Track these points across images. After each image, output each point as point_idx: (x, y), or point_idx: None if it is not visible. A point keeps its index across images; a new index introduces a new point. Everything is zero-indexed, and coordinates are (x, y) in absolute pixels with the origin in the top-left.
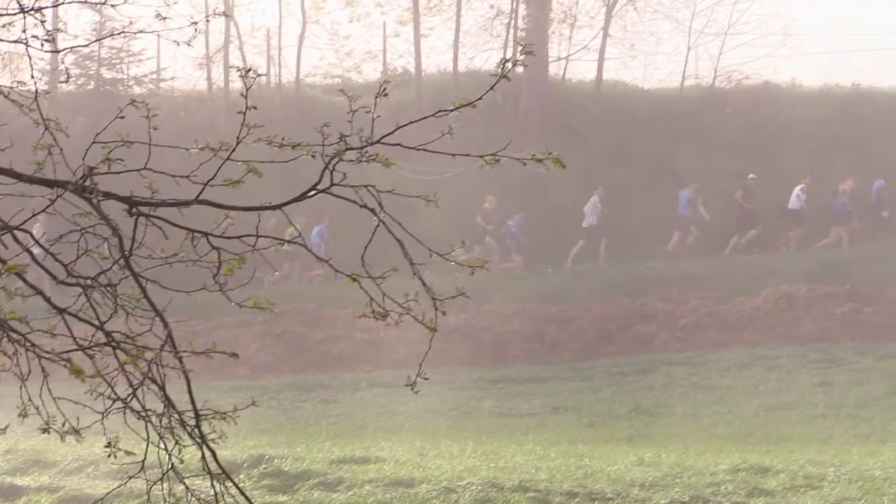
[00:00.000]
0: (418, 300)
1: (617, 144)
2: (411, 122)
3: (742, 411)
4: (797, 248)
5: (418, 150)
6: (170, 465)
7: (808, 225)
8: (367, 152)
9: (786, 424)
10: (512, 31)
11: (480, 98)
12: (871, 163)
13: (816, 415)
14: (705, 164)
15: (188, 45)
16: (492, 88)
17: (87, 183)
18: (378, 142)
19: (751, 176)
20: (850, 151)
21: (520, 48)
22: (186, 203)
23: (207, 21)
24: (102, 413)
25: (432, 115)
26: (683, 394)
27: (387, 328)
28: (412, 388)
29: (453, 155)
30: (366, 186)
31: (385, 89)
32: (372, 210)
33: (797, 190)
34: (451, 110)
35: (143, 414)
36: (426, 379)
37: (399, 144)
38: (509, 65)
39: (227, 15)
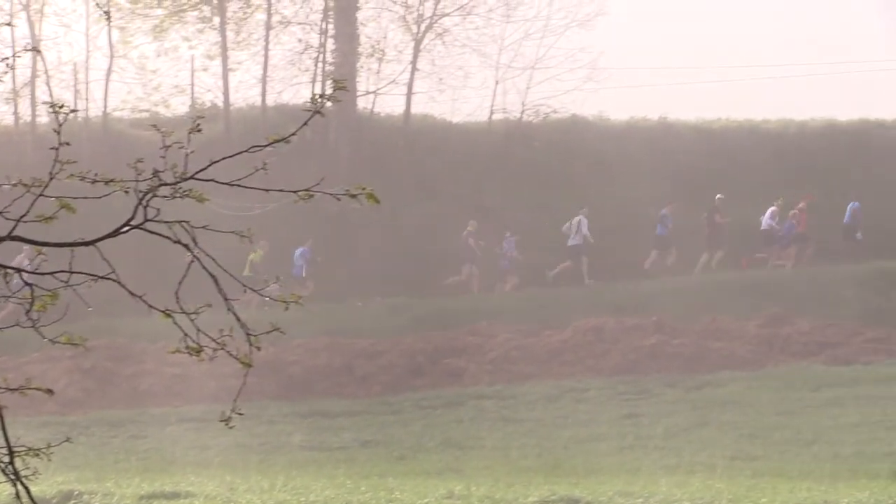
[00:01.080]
0: (233, 335)
1: (425, 178)
2: (226, 158)
3: (551, 443)
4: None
5: (232, 185)
6: None
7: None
8: (181, 188)
9: (594, 456)
10: (320, 65)
11: (294, 133)
12: (676, 194)
13: (625, 446)
14: (514, 197)
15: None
16: (305, 124)
17: None
18: (192, 177)
19: (718, 196)
20: (660, 183)
21: (330, 82)
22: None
23: (17, 57)
24: None
25: (246, 151)
26: (493, 427)
27: (198, 363)
28: (226, 424)
29: (267, 190)
30: (180, 222)
31: (199, 125)
32: (186, 245)
33: (770, 212)
34: (266, 146)
35: None
36: (240, 414)
37: (213, 180)
38: (322, 100)
39: (37, 50)
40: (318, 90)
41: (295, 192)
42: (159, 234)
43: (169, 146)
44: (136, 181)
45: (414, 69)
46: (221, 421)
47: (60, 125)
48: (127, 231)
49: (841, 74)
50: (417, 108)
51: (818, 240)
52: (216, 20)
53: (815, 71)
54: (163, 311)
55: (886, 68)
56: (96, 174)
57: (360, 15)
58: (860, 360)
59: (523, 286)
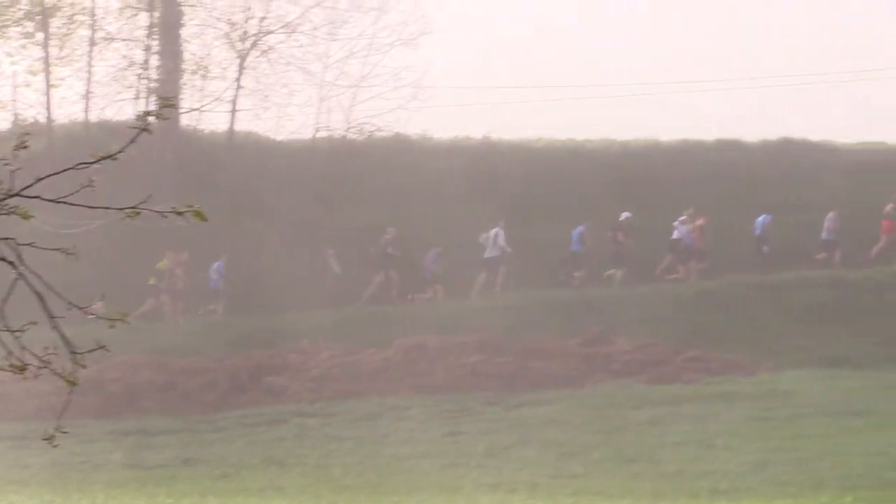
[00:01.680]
0: (58, 353)
1: (250, 195)
2: (52, 174)
3: (373, 461)
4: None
5: (59, 202)
6: None
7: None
8: (7, 204)
9: (417, 474)
10: (144, 81)
11: (122, 150)
12: (504, 211)
13: (447, 464)
14: (338, 214)
15: None
16: (133, 141)
17: None
18: (17, 194)
19: (624, 214)
20: (485, 200)
21: (155, 99)
22: None
23: None
24: None
25: (73, 168)
26: (315, 444)
27: (19, 381)
28: (50, 442)
29: (94, 207)
30: (5, 239)
31: (25, 141)
32: (11, 263)
33: (678, 223)
34: (93, 162)
35: None
36: (65, 432)
37: (39, 197)
38: (149, 117)
39: None
40: (142, 107)
41: (121, 209)
42: None
43: None
44: None
45: (238, 86)
46: (45, 439)
47: None
48: None
49: (665, 95)
50: (242, 126)
51: (638, 258)
52: (39, 36)
53: (637, 91)
54: None
55: (709, 89)
56: None
57: (184, 32)
58: (681, 379)
59: (344, 304)
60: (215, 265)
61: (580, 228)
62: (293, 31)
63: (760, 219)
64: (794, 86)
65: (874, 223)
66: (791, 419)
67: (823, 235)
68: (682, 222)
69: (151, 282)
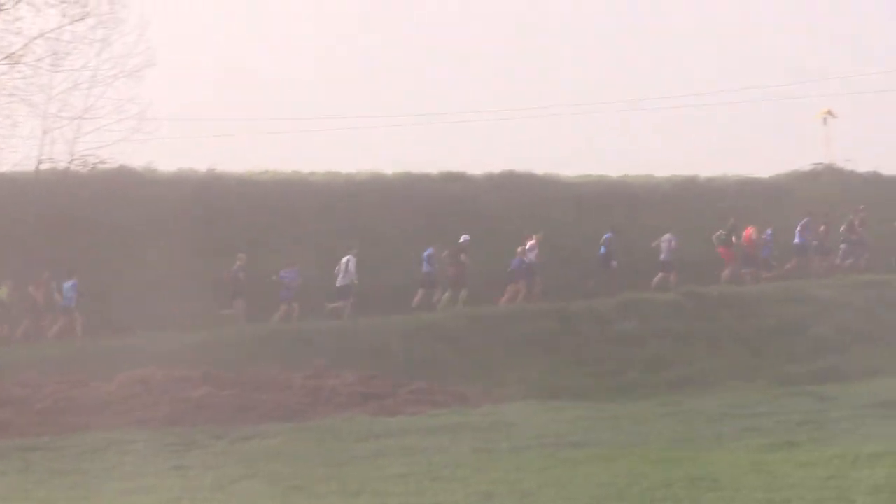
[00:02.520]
0: None
1: None
2: None
3: (98, 496)
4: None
5: None
6: None
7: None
8: None
9: None
10: None
11: None
12: (240, 240)
13: (173, 498)
14: (66, 247)
15: None
16: None
17: None
18: None
19: (464, 237)
20: (211, 230)
21: None
22: None
23: None
24: None
25: None
26: (40, 480)
27: None
28: None
29: None
30: None
31: None
32: None
33: (529, 245)
34: None
35: None
36: None
37: None
38: None
39: None
40: None
41: None
42: None
43: None
44: None
45: None
46: None
47: None
48: None
49: (390, 129)
50: None
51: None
52: None
53: (362, 124)
54: None
55: (437, 122)
56: None
57: None
58: (405, 412)
59: (68, 335)
60: (69, 283)
61: (429, 251)
62: (16, 63)
63: (605, 236)
64: (519, 119)
65: (594, 250)
66: (514, 451)
67: (662, 257)
68: (532, 247)
69: None
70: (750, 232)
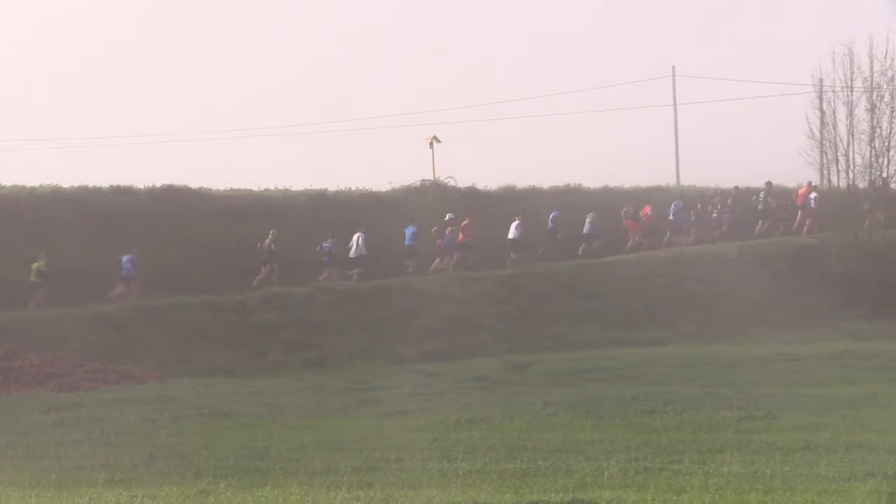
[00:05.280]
0: None
1: None
2: None
3: None
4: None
5: None
6: None
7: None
8: None
9: None
10: None
11: None
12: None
13: None
14: None
15: None
16: None
17: None
18: None
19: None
20: None
21: None
22: None
23: None
24: None
25: None
26: None
27: None
28: None
29: None
30: None
31: None
32: None
33: (514, 224)
34: None
35: None
36: None
37: None
38: None
39: None
40: None
41: None
42: None
43: None
44: None
45: None
46: None
47: None
48: None
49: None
50: None
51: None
52: None
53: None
54: None
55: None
56: None
57: None
58: (82, 388)
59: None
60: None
61: (412, 228)
62: None
63: (552, 214)
64: (179, 141)
65: (246, 255)
66: (174, 420)
67: (585, 230)
68: (518, 226)
69: None
70: (646, 210)
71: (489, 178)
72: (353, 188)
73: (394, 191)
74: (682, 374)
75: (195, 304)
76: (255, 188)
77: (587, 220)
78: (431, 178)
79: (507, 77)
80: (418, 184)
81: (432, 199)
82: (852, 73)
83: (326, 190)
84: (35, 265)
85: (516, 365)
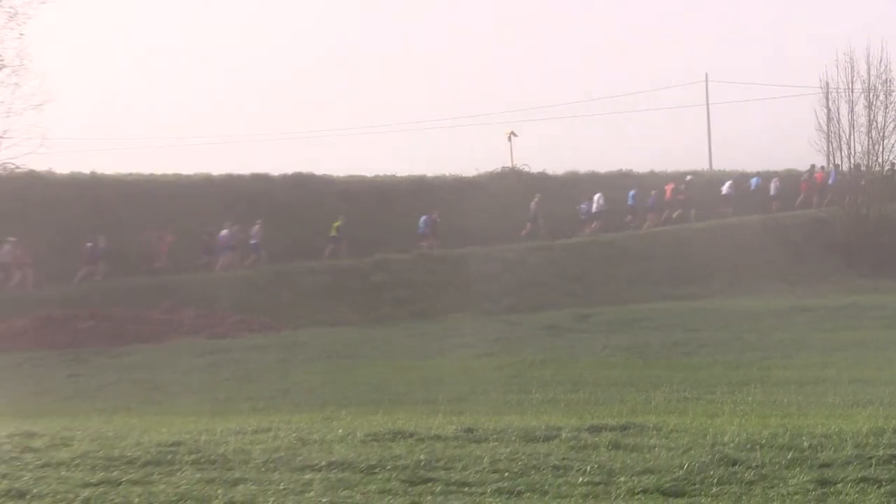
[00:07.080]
0: None
1: None
2: None
3: (14, 397)
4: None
5: None
6: None
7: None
8: None
9: (48, 404)
10: None
11: None
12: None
13: (69, 396)
14: None
15: None
16: None
17: None
18: None
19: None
20: None
21: None
22: None
23: None
24: None
25: None
26: None
27: None
28: None
29: None
30: None
31: None
32: None
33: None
34: None
35: None
36: None
37: None
38: None
39: None
40: None
41: None
42: None
43: None
44: None
45: None
46: None
47: None
48: None
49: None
50: None
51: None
52: None
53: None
54: None
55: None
56: None
57: None
58: (230, 336)
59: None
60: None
61: (425, 217)
62: None
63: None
64: (308, 137)
65: (359, 230)
66: (305, 361)
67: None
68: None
69: None
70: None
71: (556, 165)
72: (447, 174)
73: (479, 176)
74: (714, 323)
75: (319, 268)
76: (367, 174)
77: (630, 195)
78: (510, 165)
79: (567, 79)
80: (499, 170)
81: (511, 182)
82: (853, 77)
83: (425, 175)
84: (336, 223)
85: (580, 316)
